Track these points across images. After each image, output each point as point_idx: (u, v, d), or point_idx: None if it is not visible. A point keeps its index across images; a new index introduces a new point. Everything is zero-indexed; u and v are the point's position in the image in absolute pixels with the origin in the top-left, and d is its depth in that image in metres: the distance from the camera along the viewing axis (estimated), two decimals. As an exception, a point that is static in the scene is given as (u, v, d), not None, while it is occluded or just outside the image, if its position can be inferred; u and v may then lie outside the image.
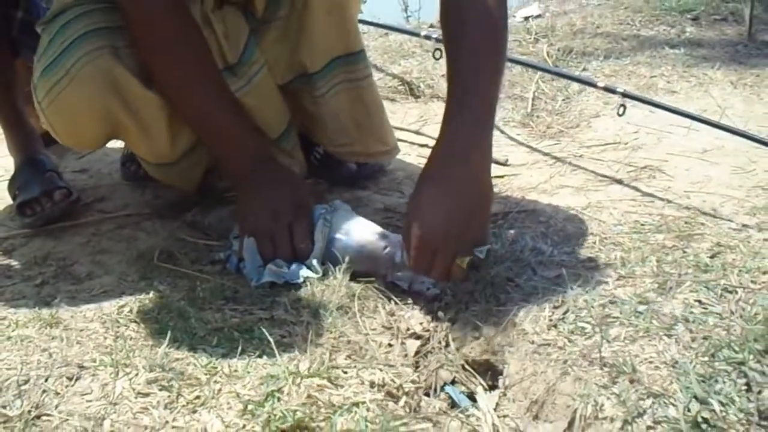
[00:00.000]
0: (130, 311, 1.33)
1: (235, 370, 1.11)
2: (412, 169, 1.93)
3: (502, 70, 1.43)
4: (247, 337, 1.20)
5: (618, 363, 1.06)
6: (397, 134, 1.94)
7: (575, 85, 2.40)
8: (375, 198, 1.79)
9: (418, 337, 1.25)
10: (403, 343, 1.23)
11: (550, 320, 1.20)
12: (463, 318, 1.27)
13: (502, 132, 2.16)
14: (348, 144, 1.75)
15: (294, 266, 1.37)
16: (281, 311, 1.27)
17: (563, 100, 2.36)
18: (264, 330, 1.20)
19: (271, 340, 1.16)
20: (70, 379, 1.10)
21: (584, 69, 2.61)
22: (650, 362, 1.06)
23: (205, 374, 1.10)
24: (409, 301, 1.33)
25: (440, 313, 1.28)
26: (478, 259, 1.34)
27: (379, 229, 1.41)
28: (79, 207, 1.82)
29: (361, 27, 2.00)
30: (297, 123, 1.74)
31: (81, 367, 1.13)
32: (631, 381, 1.03)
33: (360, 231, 1.40)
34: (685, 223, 1.56)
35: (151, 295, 1.39)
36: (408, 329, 1.25)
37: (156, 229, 1.71)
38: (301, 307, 1.27)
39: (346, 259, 1.35)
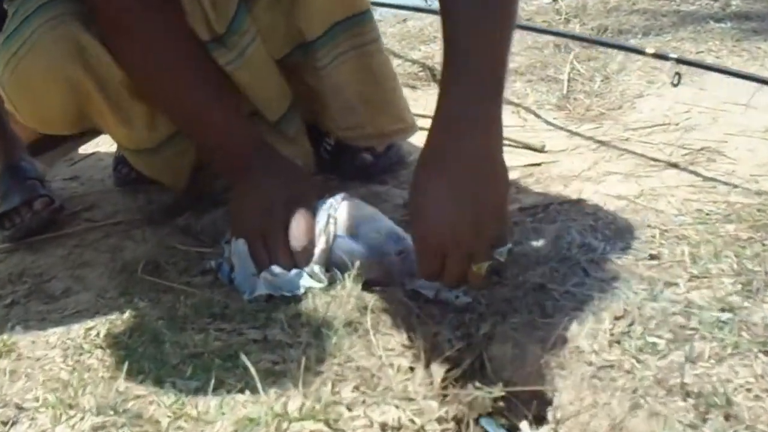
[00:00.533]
0: (98, 335, 1.10)
1: (206, 411, 0.87)
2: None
3: (513, 23, 1.10)
4: (229, 366, 0.95)
5: (706, 392, 0.81)
6: (420, 122, 1.70)
7: (614, 64, 2.16)
8: (394, 193, 1.54)
9: (446, 358, 0.99)
10: (427, 368, 0.98)
11: (612, 335, 0.95)
12: (502, 333, 1.02)
13: (537, 116, 1.92)
14: (358, 126, 1.50)
15: (293, 274, 1.13)
16: (276, 330, 1.03)
17: (602, 80, 2.10)
18: (251, 356, 0.95)
19: (254, 370, 0.90)
20: (4, 424, 0.87)
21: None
22: (747, 390, 0.81)
23: (169, 416, 0.86)
24: (435, 312, 1.08)
25: (473, 328, 1.03)
26: (498, 262, 1.08)
27: (396, 227, 1.16)
28: (64, 216, 1.63)
29: (377, 14, 1.78)
30: (301, 108, 1.49)
31: (20, 408, 0.90)
32: (727, 417, 0.77)
33: (372, 230, 1.15)
34: (758, 210, 1.30)
35: (126, 314, 1.17)
36: (433, 349, 1.00)
37: (145, 238, 1.51)
38: (300, 325, 1.03)
39: (356, 264, 1.10)
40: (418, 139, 1.76)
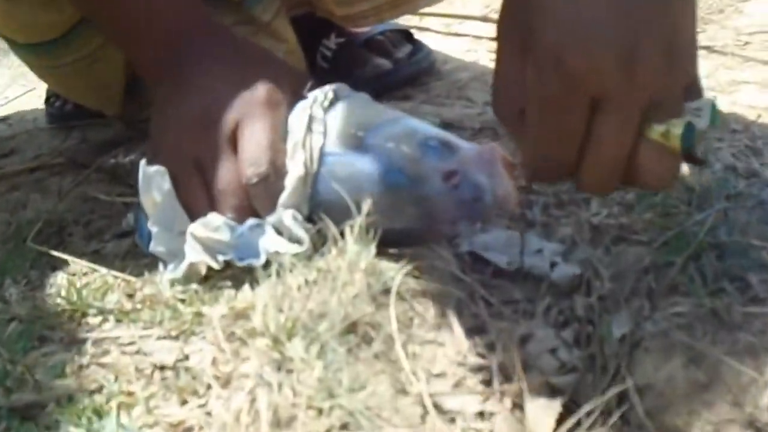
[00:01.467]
0: None
1: None
2: (480, 69, 1.20)
3: None
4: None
5: None
6: (458, 26, 1.23)
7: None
8: (425, 110, 1.03)
9: (553, 389, 0.48)
10: (515, 408, 0.46)
11: None
12: (657, 336, 0.49)
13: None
14: None
15: (245, 228, 0.61)
16: (200, 346, 0.51)
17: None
18: None
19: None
20: None
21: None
22: None
23: None
24: (517, 296, 0.56)
25: (594, 327, 0.50)
26: (699, 134, 0.49)
27: (436, 130, 0.63)
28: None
29: None
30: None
31: None
32: None
33: (392, 137, 0.61)
34: None
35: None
36: (527, 369, 0.48)
37: (62, 188, 1.02)
38: (249, 337, 0.50)
39: (365, 203, 0.56)
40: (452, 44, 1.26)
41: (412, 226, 0.60)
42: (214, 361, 0.48)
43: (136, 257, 0.72)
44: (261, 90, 0.65)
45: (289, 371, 0.45)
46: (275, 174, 0.61)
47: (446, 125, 0.97)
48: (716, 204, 0.60)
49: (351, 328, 0.48)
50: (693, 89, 0.50)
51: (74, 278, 0.70)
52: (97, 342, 0.55)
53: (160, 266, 0.63)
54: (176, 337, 0.53)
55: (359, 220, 0.55)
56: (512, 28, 0.51)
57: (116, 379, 0.49)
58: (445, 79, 1.15)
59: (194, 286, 0.59)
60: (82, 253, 0.77)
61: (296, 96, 0.67)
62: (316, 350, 0.45)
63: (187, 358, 0.50)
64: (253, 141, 0.62)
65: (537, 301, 0.57)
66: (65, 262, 0.75)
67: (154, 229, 0.63)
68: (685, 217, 0.60)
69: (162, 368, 0.49)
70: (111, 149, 1.06)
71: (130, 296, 0.61)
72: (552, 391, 0.49)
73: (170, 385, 0.48)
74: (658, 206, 0.63)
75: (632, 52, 0.46)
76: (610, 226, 0.63)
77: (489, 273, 0.60)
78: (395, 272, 0.55)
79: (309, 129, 0.61)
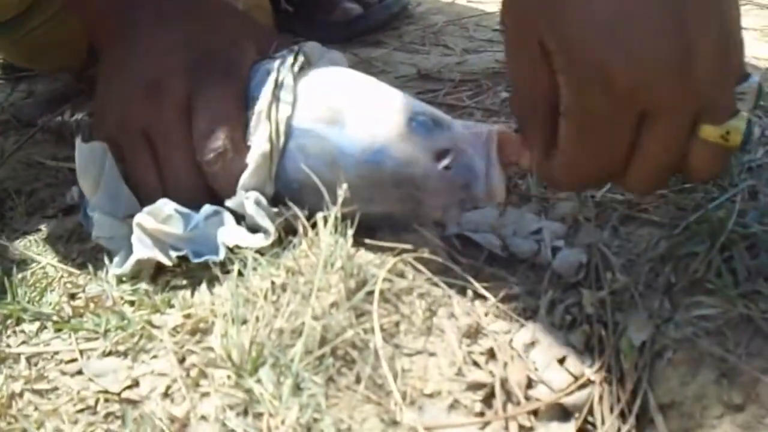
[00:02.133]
0: None
1: None
2: (456, 12, 1.11)
3: None
4: None
5: None
6: None
7: None
8: (399, 58, 0.94)
9: (564, 410, 0.40)
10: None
11: None
12: (678, 344, 0.42)
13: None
14: None
15: (201, 217, 0.52)
16: (151, 368, 0.43)
17: None
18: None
19: None
20: None
21: None
22: None
23: None
24: (515, 290, 0.49)
25: (601, 329, 0.43)
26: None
27: (423, 104, 0.54)
28: None
29: None
30: None
31: None
32: None
33: (374, 110, 0.52)
34: None
35: None
36: (533, 383, 0.41)
37: (5, 149, 0.93)
38: (207, 365, 0.41)
39: (341, 187, 0.48)
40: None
41: (394, 210, 0.52)
42: (167, 394, 0.40)
43: (83, 240, 0.63)
44: (217, 52, 0.56)
45: (258, 415, 0.37)
46: (234, 149, 0.52)
47: (423, 76, 0.89)
48: (737, 179, 0.52)
49: (330, 349, 0.40)
50: (741, 72, 0.43)
51: (11, 267, 0.61)
52: (33, 358, 0.46)
53: (106, 258, 0.55)
54: (124, 354, 0.45)
55: (335, 208, 0.46)
56: (525, 23, 0.43)
57: (54, 410, 0.41)
58: (419, 23, 1.06)
59: (144, 285, 0.51)
60: (24, 233, 0.69)
61: (260, 56, 0.58)
62: (289, 385, 0.37)
63: (136, 384, 0.42)
64: (209, 113, 0.53)
65: (539, 296, 0.49)
66: (2, 247, 0.66)
67: (95, 214, 0.54)
68: (703, 194, 0.52)
69: (107, 400, 0.41)
70: (58, 106, 0.96)
71: (73, 296, 0.52)
72: (563, 413, 0.42)
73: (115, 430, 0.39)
74: (671, 179, 0.55)
75: (686, 59, 0.39)
76: (617, 201, 0.55)
77: (482, 259, 0.53)
78: (376, 268, 0.47)
79: (275, 97, 0.52)
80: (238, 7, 0.67)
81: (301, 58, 0.55)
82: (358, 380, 0.40)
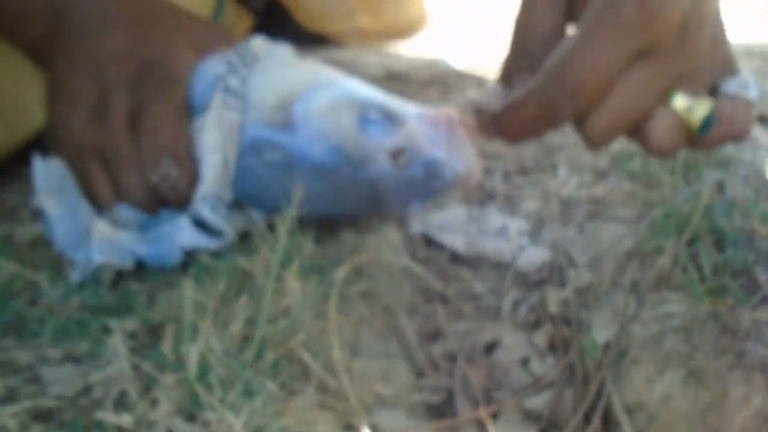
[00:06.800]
0: None
1: None
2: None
3: None
4: None
5: None
6: None
7: None
8: (366, 60, 0.90)
9: (527, 413, 0.38)
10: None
11: None
12: (643, 342, 0.39)
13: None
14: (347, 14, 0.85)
15: (158, 219, 0.49)
16: (105, 373, 0.39)
17: None
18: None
19: None
20: None
21: None
22: None
23: None
24: (478, 291, 0.46)
25: (565, 328, 0.41)
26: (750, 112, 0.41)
27: (380, 95, 0.50)
28: None
29: None
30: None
31: None
32: None
33: (328, 105, 0.48)
34: None
35: None
36: (495, 385, 0.38)
37: None
38: (158, 370, 0.38)
39: (297, 193, 0.45)
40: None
41: (354, 210, 0.49)
42: (119, 401, 0.37)
43: (49, 246, 0.60)
44: (155, 63, 0.53)
45: (206, 425, 0.34)
46: (179, 166, 0.49)
47: (390, 77, 0.85)
48: (705, 173, 0.49)
49: (284, 353, 0.37)
50: (731, 65, 0.41)
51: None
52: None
53: (67, 265, 0.51)
54: (80, 360, 0.42)
55: (290, 211, 0.43)
56: None
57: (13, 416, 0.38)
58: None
59: (104, 290, 0.48)
60: (-10, 239, 0.65)
61: (206, 56, 0.54)
62: (239, 390, 0.34)
63: (90, 390, 0.39)
64: (151, 131, 0.49)
65: (502, 295, 0.46)
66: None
67: (57, 229, 0.51)
68: (671, 189, 0.49)
69: (59, 409, 0.38)
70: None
71: (33, 303, 0.49)
72: (526, 416, 0.39)
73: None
74: (638, 174, 0.52)
75: (696, 20, 0.39)
76: (582, 198, 0.52)
77: (444, 259, 0.50)
78: (335, 267, 0.44)
79: (224, 104, 0.49)
80: (180, 7, 0.63)
81: (247, 58, 0.51)
82: (313, 385, 0.37)
